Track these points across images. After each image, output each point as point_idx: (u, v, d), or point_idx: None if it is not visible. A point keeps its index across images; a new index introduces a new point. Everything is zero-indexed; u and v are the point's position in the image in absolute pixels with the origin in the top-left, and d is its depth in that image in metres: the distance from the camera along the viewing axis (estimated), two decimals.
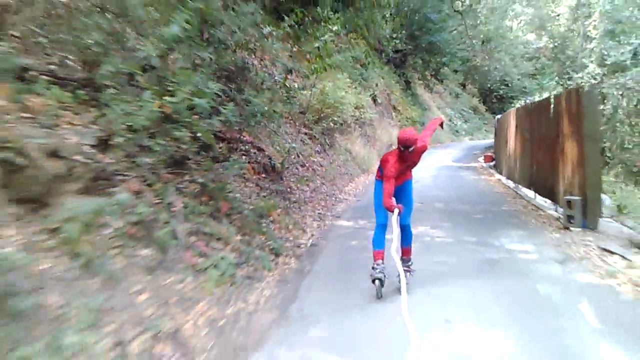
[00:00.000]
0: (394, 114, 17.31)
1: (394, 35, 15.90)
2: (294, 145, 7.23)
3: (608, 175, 11.50)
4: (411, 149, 3.29)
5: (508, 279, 3.57)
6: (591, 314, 2.88)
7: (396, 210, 3.31)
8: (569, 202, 5.06)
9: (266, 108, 4.39)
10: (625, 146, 12.50)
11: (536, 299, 3.18)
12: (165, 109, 3.23)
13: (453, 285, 3.45)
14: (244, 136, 5.61)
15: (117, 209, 2.80)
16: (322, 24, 6.62)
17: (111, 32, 3.40)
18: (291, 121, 8.38)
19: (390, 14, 14.40)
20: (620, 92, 13.21)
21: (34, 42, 3.49)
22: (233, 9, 4.50)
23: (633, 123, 12.54)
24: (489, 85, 29.01)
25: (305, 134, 8.87)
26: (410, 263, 3.70)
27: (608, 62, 16.84)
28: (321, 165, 8.56)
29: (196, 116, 3.43)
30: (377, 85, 15.94)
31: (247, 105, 4.17)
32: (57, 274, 2.31)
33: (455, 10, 16.09)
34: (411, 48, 18.12)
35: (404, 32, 16.80)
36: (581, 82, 16.19)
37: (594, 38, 23.31)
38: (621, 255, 3.92)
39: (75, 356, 1.98)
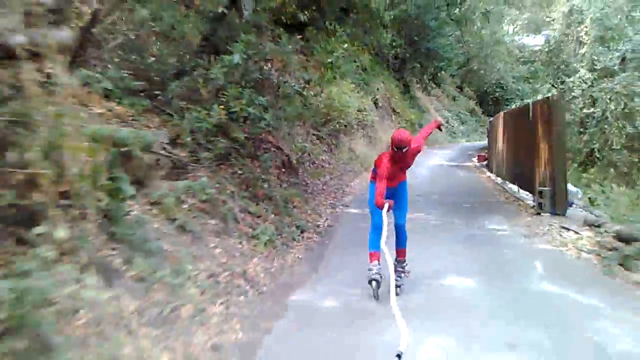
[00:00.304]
0: (393, 116, 18.39)
1: (394, 43, 16.98)
2: (305, 145, 8.30)
3: (593, 174, 12.42)
4: (404, 149, 3.40)
5: (484, 247, 4.65)
6: (540, 267, 3.97)
7: (386, 205, 3.46)
8: (540, 192, 6.16)
9: (294, 114, 5.46)
10: (613, 147, 13.46)
11: (502, 259, 4.26)
12: (223, 115, 4.31)
13: (442, 251, 4.53)
14: (267, 137, 6.68)
15: (197, 188, 3.89)
16: (332, 38, 7.70)
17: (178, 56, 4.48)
18: (301, 123, 9.45)
19: (390, 22, 15.44)
20: (609, 97, 14.21)
21: (117, 63, 4.59)
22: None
23: (620, 125, 13.49)
24: (485, 89, 30.14)
25: (314, 135, 9.94)
26: (405, 264, 3.79)
27: (598, 67, 17.76)
28: (329, 163, 9.63)
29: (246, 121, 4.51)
30: (378, 89, 17.02)
31: (278, 111, 5.25)
32: (164, 231, 3.38)
33: (451, 19, 17.18)
34: (410, 54, 19.22)
35: (403, 40, 17.89)
36: (572, 86, 17.11)
37: (586, 43, 24.33)
38: (575, 231, 5.01)
39: (189, 279, 3.04)
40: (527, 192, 7.23)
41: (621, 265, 3.87)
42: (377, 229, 3.54)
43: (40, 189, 2.08)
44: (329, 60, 6.61)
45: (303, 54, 8.11)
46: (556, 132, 6.00)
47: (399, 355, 1.92)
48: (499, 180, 9.59)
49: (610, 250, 4.19)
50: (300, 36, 6.22)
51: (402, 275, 3.72)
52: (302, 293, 3.50)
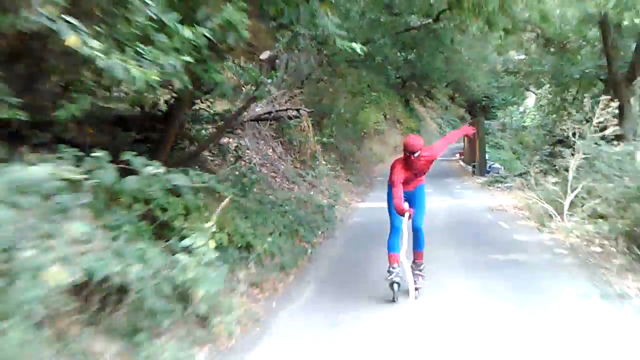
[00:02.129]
0: (398, 125, 25.32)
1: (398, 71, 23.93)
2: (353, 147, 15.16)
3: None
4: (416, 154, 3.60)
5: (443, 190, 11.48)
6: (459, 187, 10.89)
7: (407, 214, 3.69)
8: (473, 166, 13.11)
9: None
10: None
11: (449, 188, 11.17)
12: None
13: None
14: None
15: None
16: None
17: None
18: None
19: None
20: None
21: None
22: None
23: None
24: (473, 99, 37.25)
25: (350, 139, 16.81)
26: (422, 267, 4.04)
27: None
28: (360, 159, 16.49)
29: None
30: (386, 105, 23.97)
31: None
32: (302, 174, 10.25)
33: (440, 52, 24.10)
34: (409, 77, 26.26)
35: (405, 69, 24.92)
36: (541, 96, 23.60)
37: None
38: (482, 181, 11.95)
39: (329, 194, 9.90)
40: (471, 167, 14.18)
41: (488, 185, 10.79)
42: (396, 231, 3.82)
43: None
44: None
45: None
46: (480, 136, 12.96)
47: None
48: (464, 164, 16.56)
49: (489, 183, 11.11)
50: None
51: (420, 278, 3.95)
52: (372, 192, 10.33)
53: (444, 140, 4.53)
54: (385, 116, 23.23)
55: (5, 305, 1.75)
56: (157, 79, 2.30)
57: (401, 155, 3.87)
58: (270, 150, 9.25)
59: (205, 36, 2.57)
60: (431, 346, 2.95)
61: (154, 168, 2.64)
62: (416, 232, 4.00)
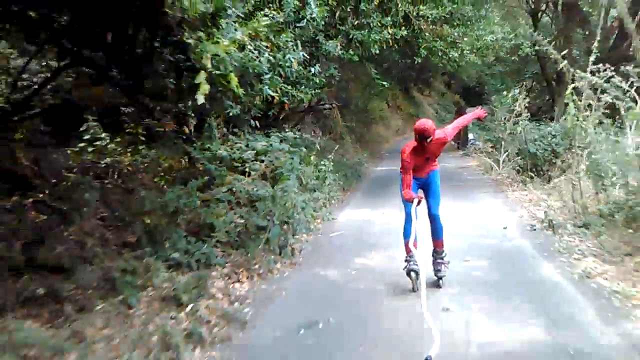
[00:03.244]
0: (398, 111, 29.82)
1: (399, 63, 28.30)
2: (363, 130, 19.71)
3: None
4: (428, 139, 3.54)
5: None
6: (449, 161, 15.52)
7: (415, 201, 3.68)
8: (458, 142, 17.74)
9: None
10: None
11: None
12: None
13: None
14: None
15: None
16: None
17: None
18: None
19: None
20: None
21: None
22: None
23: None
24: (468, 85, 41.61)
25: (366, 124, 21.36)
26: (444, 255, 4.05)
27: None
28: (370, 139, 21.03)
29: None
30: (388, 94, 28.41)
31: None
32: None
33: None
34: (409, 67, 30.65)
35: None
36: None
37: None
38: (463, 152, 16.61)
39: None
40: (455, 143, 18.86)
41: (466, 155, 15.43)
42: (410, 219, 3.80)
43: None
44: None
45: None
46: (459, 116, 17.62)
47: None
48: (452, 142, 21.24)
49: (467, 154, 15.75)
50: None
51: (443, 266, 3.98)
52: (381, 162, 14.96)
53: (457, 123, 4.32)
54: (388, 104, 27.64)
55: None
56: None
57: (410, 140, 3.81)
58: (312, 132, 13.77)
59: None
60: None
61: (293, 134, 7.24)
62: (433, 220, 4.01)
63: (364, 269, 4.64)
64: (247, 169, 6.32)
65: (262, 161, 6.45)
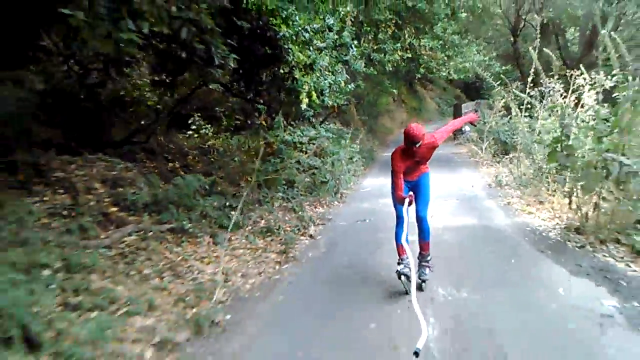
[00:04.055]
0: (403, 105, 33.26)
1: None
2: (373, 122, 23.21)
3: None
4: (417, 144, 3.68)
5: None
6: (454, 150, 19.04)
7: (407, 201, 3.85)
8: (454, 133, 21.27)
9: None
10: None
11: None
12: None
13: None
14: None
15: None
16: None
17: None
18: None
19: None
20: None
21: None
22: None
23: None
24: (468, 81, 44.96)
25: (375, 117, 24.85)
26: (429, 258, 4.20)
27: None
28: (377, 130, 24.52)
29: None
30: (394, 90, 31.84)
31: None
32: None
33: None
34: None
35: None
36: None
37: None
38: (457, 142, 20.16)
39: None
40: (453, 134, 22.36)
41: (459, 144, 18.94)
42: (402, 221, 3.95)
43: None
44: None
45: None
46: (458, 109, 21.08)
47: (416, 353, 2.21)
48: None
49: (460, 143, 19.25)
50: None
51: (427, 270, 4.14)
52: (388, 149, 18.51)
53: (448, 126, 4.50)
54: (393, 99, 31.02)
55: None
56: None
57: (400, 144, 3.96)
58: (333, 124, 17.25)
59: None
60: None
61: (333, 126, 10.73)
62: (420, 222, 4.14)
63: (384, 204, 8.13)
64: (304, 149, 9.86)
65: (314, 144, 9.99)
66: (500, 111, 14.22)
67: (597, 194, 5.37)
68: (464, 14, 13.45)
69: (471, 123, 4.99)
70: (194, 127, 9.34)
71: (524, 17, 15.64)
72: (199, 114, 9.55)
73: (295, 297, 4.24)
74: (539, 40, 9.31)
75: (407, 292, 3.93)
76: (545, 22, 15.03)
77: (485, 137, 14.41)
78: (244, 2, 5.98)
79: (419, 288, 4.02)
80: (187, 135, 9.38)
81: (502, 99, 14.20)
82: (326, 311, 3.87)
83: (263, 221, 6.20)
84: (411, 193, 4.05)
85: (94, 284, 3.52)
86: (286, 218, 6.64)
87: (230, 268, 4.58)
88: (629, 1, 15.19)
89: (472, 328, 3.43)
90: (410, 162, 3.97)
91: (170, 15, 4.07)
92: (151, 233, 4.90)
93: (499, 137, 13.33)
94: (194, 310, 3.58)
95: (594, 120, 5.89)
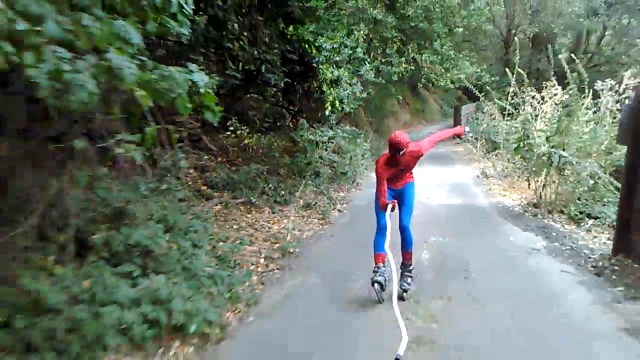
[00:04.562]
0: (406, 106, 35.42)
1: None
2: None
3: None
4: (401, 152, 3.79)
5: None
6: (445, 147, 21.21)
7: (389, 207, 3.93)
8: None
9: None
10: None
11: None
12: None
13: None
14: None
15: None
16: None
17: None
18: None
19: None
20: None
21: None
22: None
23: None
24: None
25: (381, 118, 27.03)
26: (411, 268, 4.30)
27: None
28: (383, 130, 26.67)
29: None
30: (399, 97, 34.00)
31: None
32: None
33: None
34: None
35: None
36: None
37: None
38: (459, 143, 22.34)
39: None
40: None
41: (458, 143, 21.14)
42: (381, 230, 4.01)
43: None
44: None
45: None
46: (457, 111, 23.25)
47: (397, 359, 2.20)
48: None
49: (459, 142, 21.42)
50: None
51: (409, 279, 4.21)
52: None
53: (433, 137, 4.58)
54: (398, 101, 33.19)
55: None
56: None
57: (386, 152, 4.03)
58: (344, 124, 19.40)
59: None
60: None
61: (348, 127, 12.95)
62: (403, 231, 4.20)
63: None
64: (324, 147, 12.06)
65: (332, 142, 12.18)
66: (492, 114, 16.37)
67: (545, 178, 7.55)
68: (460, 29, 15.61)
69: (457, 136, 5.80)
70: (231, 128, 11.55)
71: (514, 31, 17.76)
72: (236, 117, 11.77)
73: (335, 241, 6.49)
74: (518, 58, 11.47)
75: (380, 301, 4.03)
76: (532, 35, 17.18)
77: (479, 137, 16.55)
78: (289, 35, 8.19)
79: (401, 298, 4.03)
80: (227, 135, 11.59)
81: (493, 104, 16.45)
82: (355, 247, 6.05)
83: (302, 200, 8.38)
84: (394, 200, 4.13)
85: (211, 230, 5.70)
86: (318, 198, 8.81)
87: (290, 226, 6.76)
88: (608, 17, 17.38)
89: (449, 255, 5.63)
90: (394, 169, 4.05)
91: (254, 58, 6.28)
92: (230, 204, 7.09)
93: (489, 137, 15.48)
94: (277, 245, 5.78)
95: (546, 125, 8.07)
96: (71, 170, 3.09)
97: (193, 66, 3.25)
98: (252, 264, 5.06)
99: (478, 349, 3.39)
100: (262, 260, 5.17)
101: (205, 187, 7.24)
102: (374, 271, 4.06)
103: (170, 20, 3.22)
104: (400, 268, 4.28)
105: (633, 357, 3.29)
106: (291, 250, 5.69)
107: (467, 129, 22.35)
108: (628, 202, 5.24)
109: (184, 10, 3.26)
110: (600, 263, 5.21)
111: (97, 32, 2.46)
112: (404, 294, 4.16)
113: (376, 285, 3.95)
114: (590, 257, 5.44)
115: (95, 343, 2.71)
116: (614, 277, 4.79)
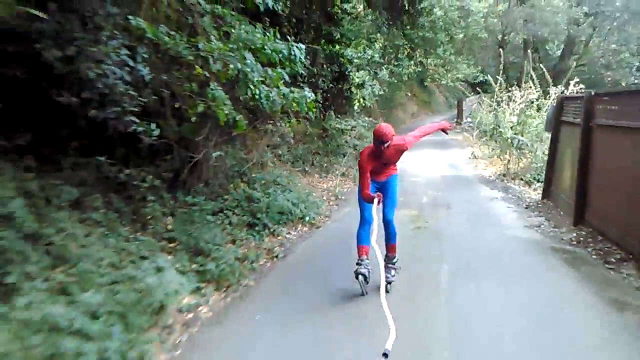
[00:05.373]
0: (414, 98, 38.65)
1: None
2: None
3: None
4: (386, 144, 3.84)
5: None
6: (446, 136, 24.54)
7: (375, 200, 3.95)
8: (457, 121, 26.76)
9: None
10: None
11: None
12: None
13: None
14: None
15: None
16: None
17: None
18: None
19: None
20: None
21: None
22: None
23: None
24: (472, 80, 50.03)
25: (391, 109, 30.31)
26: (395, 260, 4.36)
27: None
28: (393, 121, 29.96)
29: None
30: (407, 93, 37.22)
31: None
32: None
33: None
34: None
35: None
36: None
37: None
38: (458, 130, 25.64)
39: None
40: (456, 122, 27.81)
41: (460, 132, 24.44)
42: (365, 223, 4.08)
43: None
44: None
45: None
46: (460, 104, 26.53)
47: (385, 354, 2.22)
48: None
49: (460, 131, 24.73)
50: None
51: (393, 271, 4.27)
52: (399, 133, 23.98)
53: (419, 131, 4.60)
54: (406, 94, 36.38)
55: None
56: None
57: (370, 144, 4.07)
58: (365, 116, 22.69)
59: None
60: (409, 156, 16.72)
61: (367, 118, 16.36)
62: (387, 225, 4.24)
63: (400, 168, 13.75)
64: (348, 134, 15.47)
65: (354, 130, 15.59)
66: (483, 109, 19.64)
67: (509, 155, 10.93)
68: (460, 36, 18.87)
69: (443, 130, 5.59)
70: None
71: (506, 38, 20.90)
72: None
73: None
74: (502, 65, 14.76)
75: (363, 294, 4.09)
76: (523, 40, 20.31)
77: (476, 126, 19.84)
78: (328, 51, 11.56)
79: (385, 290, 3.88)
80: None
81: (485, 100, 19.72)
82: None
83: (337, 171, 11.77)
84: (379, 193, 4.15)
85: (285, 180, 9.15)
86: (348, 171, 12.18)
87: (336, 183, 10.18)
88: (592, 26, 20.51)
89: (439, 198, 9.14)
90: (377, 162, 4.09)
91: (315, 74, 9.65)
92: (292, 172, 10.54)
93: (481, 127, 18.80)
94: (330, 193, 9.25)
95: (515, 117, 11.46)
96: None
97: (305, 88, 6.65)
98: (321, 201, 8.56)
99: (448, 230, 6.88)
100: (324, 199, 8.67)
101: (275, 159, 10.68)
102: (357, 263, 4.10)
103: (295, 65, 6.62)
104: (384, 260, 4.19)
105: (521, 227, 6.93)
106: (340, 197, 9.15)
107: (469, 119, 26.06)
108: (550, 166, 8.63)
109: (302, 60, 6.66)
110: (531, 204, 8.62)
111: (275, 76, 5.86)
112: (388, 285, 4.18)
113: (360, 277, 4.01)
114: (527, 202, 8.85)
115: (273, 218, 6.23)
116: (536, 210, 8.21)
